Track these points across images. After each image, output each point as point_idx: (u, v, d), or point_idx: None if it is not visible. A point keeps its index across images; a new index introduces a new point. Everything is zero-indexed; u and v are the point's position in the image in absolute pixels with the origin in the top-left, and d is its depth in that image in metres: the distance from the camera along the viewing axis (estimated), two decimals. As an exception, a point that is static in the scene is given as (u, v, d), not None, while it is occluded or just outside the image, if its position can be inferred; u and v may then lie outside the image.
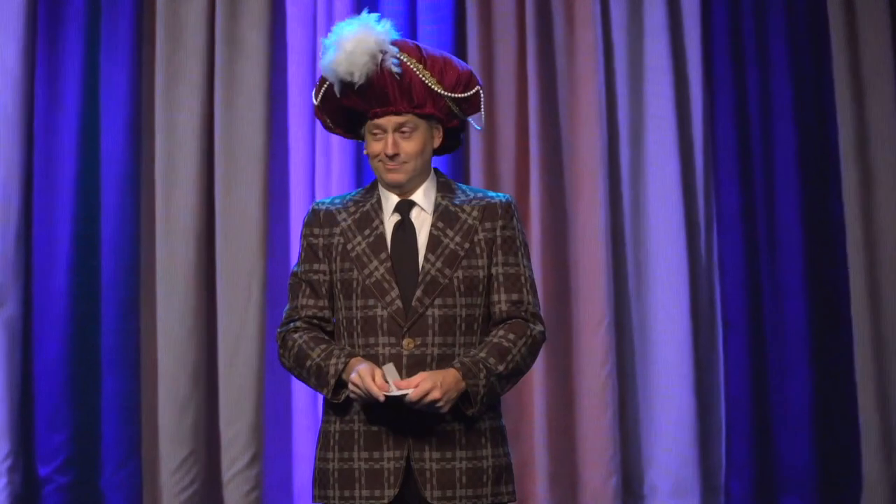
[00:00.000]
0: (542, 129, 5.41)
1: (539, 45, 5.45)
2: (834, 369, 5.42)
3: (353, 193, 3.14)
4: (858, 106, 5.45)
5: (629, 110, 5.51)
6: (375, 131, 3.00)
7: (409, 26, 5.47)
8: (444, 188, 3.07)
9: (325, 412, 3.05)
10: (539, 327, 3.03)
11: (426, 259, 2.95)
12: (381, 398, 2.84)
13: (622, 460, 5.38)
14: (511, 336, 2.98)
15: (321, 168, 5.44)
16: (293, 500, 5.40)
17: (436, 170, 3.10)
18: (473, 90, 3.06)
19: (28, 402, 5.36)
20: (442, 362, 2.93)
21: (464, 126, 3.13)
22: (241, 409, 5.31)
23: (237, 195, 5.35)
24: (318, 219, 3.07)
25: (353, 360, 2.93)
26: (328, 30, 5.41)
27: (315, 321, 3.05)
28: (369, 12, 3.07)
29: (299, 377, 3.04)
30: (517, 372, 3.00)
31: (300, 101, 5.43)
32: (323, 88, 3.05)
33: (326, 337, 3.03)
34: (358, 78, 2.93)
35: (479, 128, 3.15)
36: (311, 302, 3.04)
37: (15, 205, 5.36)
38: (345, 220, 3.05)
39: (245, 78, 5.41)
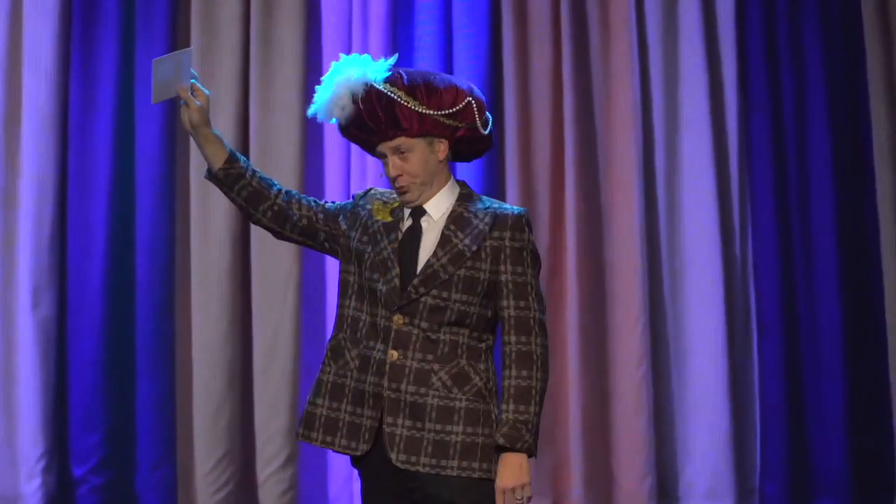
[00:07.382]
0: (577, 133, 5.43)
1: (574, 50, 5.46)
2: (868, 372, 5.43)
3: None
4: (893, 109, 5.45)
5: (664, 114, 5.52)
6: (383, 159, 3.22)
7: (444, 32, 5.49)
8: (464, 199, 3.24)
9: (324, 362, 3.26)
10: (542, 342, 3.17)
11: (434, 254, 3.15)
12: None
13: (657, 462, 5.39)
14: (524, 373, 3.13)
15: (356, 169, 5.45)
16: (328, 501, 5.41)
17: (461, 182, 3.25)
18: (463, 103, 3.19)
19: (63, 403, 5.37)
20: (426, 342, 3.13)
21: (475, 132, 3.21)
22: (276, 411, 5.32)
23: (272, 197, 5.34)
24: (365, 194, 3.31)
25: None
26: (364, 29, 5.50)
27: (293, 197, 3.25)
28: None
29: None
30: (543, 396, 3.16)
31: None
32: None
33: (270, 182, 3.27)
34: (345, 119, 3.18)
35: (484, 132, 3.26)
36: (309, 200, 3.27)
37: (50, 206, 5.36)
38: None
39: (280, 78, 5.42)
